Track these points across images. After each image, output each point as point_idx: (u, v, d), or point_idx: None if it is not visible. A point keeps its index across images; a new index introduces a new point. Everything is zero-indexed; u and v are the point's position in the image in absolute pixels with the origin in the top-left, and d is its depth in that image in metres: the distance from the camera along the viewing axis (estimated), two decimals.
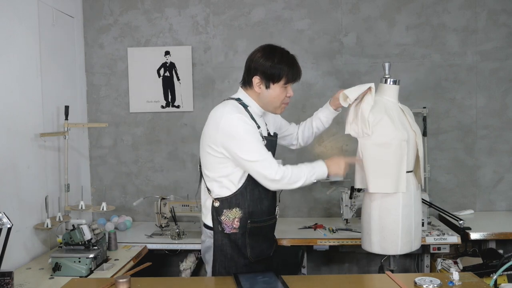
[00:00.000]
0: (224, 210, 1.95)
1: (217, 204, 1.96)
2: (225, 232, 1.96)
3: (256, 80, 1.96)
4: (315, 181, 1.99)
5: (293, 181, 1.93)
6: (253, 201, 1.97)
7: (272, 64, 1.94)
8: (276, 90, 1.97)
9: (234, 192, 1.95)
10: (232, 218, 1.95)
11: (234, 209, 1.95)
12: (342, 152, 3.36)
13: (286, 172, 1.91)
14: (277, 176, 1.89)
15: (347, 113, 2.20)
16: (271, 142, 2.05)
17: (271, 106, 2.02)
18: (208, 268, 2.05)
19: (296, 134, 2.33)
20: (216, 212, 1.97)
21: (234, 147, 1.89)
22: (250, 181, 1.96)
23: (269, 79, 1.95)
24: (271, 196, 2.06)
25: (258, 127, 1.98)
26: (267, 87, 1.97)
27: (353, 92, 2.08)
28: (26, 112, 2.63)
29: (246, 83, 2.02)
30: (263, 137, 1.98)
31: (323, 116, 2.27)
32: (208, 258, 2.04)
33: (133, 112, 3.45)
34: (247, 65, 2.01)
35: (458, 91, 3.32)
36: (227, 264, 1.97)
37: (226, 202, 1.95)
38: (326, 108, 2.27)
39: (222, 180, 1.96)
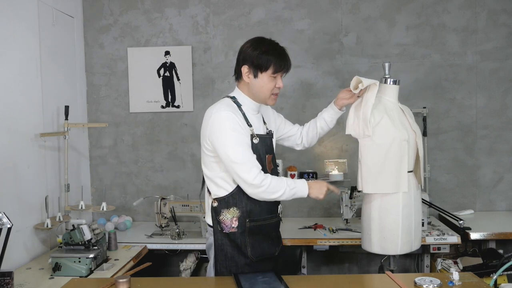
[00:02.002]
0: (222, 210, 1.96)
1: (215, 204, 1.97)
2: (224, 231, 1.96)
3: (244, 69, 1.98)
4: (293, 197, 1.96)
5: (271, 191, 1.89)
6: (251, 200, 1.96)
7: (259, 53, 1.95)
8: (264, 79, 1.97)
9: (231, 192, 1.95)
10: (230, 218, 1.95)
11: (231, 209, 1.95)
12: (342, 152, 3.36)
13: (265, 181, 1.88)
14: (255, 181, 1.86)
15: (347, 113, 2.20)
16: (264, 140, 2.02)
17: (261, 97, 2.01)
18: (210, 264, 2.05)
19: (300, 135, 2.33)
20: (215, 212, 1.97)
21: (219, 142, 1.89)
22: None
23: (257, 68, 1.96)
24: None
25: (250, 125, 1.97)
26: (255, 76, 1.97)
27: (365, 80, 2.08)
28: (26, 112, 2.63)
29: (237, 74, 2.03)
30: (256, 135, 1.97)
31: (327, 116, 2.28)
32: (211, 255, 2.05)
33: (133, 112, 3.45)
34: (237, 56, 2.03)
35: (458, 91, 3.32)
36: (228, 264, 1.97)
37: (223, 202, 1.96)
38: (331, 108, 2.27)
39: (217, 181, 1.97)
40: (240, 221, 1.96)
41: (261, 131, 2.05)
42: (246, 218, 1.96)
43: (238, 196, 1.95)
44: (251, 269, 1.96)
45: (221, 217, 1.96)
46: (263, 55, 1.94)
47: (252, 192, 1.90)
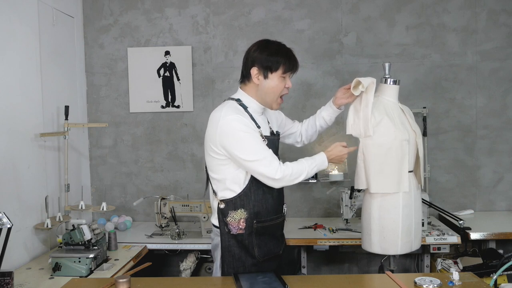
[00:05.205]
0: (230, 212, 1.96)
1: (222, 206, 1.97)
2: (232, 233, 1.96)
3: (254, 71, 1.98)
4: (316, 172, 2.03)
5: (294, 177, 1.95)
6: (258, 201, 1.97)
7: (268, 54, 1.96)
8: (274, 80, 1.98)
9: (238, 194, 1.95)
10: (237, 219, 1.95)
11: (239, 210, 1.95)
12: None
13: (286, 171, 1.91)
14: (277, 175, 1.89)
15: (347, 114, 2.20)
16: (272, 141, 2.05)
17: (269, 98, 2.01)
18: (216, 265, 2.06)
19: (299, 132, 2.34)
20: (222, 214, 1.97)
21: (233, 147, 1.89)
22: (254, 181, 1.96)
23: (267, 68, 1.96)
24: (277, 195, 2.05)
25: (259, 127, 1.98)
26: (266, 77, 1.97)
27: (364, 80, 2.08)
28: (26, 112, 2.63)
29: (245, 77, 2.03)
30: (264, 137, 1.98)
31: (326, 115, 2.29)
32: (216, 255, 2.05)
33: (133, 112, 3.45)
34: (244, 59, 2.03)
35: (458, 91, 3.32)
36: (235, 265, 1.97)
37: (231, 204, 1.96)
38: (329, 107, 2.28)
39: (225, 182, 1.96)
40: (248, 222, 1.96)
41: (267, 132, 2.06)
42: (253, 220, 1.96)
43: (245, 198, 1.95)
44: (258, 269, 1.96)
45: (228, 219, 1.96)
46: (273, 55, 1.96)
47: (277, 184, 1.94)
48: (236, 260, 1.97)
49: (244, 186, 1.95)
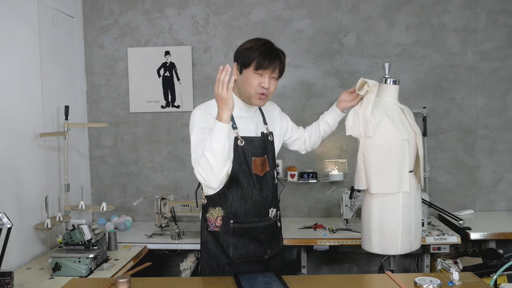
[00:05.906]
0: (209, 208, 1.96)
1: (205, 201, 1.99)
2: (209, 229, 1.97)
3: (235, 67, 1.97)
4: (222, 138, 1.74)
5: (207, 170, 1.77)
6: (236, 202, 1.93)
7: (245, 49, 1.94)
8: (246, 75, 1.93)
9: (217, 192, 1.93)
10: (215, 217, 1.95)
11: (217, 208, 1.95)
12: (342, 152, 3.36)
13: (200, 172, 1.79)
14: (200, 180, 1.81)
15: (347, 115, 2.19)
16: (252, 142, 1.94)
17: (246, 94, 1.95)
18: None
19: (303, 139, 2.29)
20: (204, 210, 1.99)
21: (190, 139, 1.91)
22: (234, 181, 1.90)
23: (242, 64, 1.94)
24: (260, 198, 1.96)
25: (235, 128, 1.92)
26: (240, 72, 1.95)
27: (370, 81, 2.07)
28: (26, 112, 2.63)
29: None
30: (241, 138, 1.90)
31: (330, 119, 2.23)
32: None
33: (133, 112, 3.45)
34: None
35: (458, 91, 3.32)
36: (210, 261, 1.97)
37: (211, 200, 1.96)
38: (333, 110, 2.23)
39: None
40: (224, 221, 1.94)
41: (252, 133, 1.98)
42: (230, 219, 1.94)
43: (223, 196, 1.93)
44: (233, 270, 1.92)
45: (207, 215, 1.97)
46: (248, 50, 1.92)
47: (209, 186, 1.84)
48: (211, 257, 1.96)
49: (222, 184, 1.90)
